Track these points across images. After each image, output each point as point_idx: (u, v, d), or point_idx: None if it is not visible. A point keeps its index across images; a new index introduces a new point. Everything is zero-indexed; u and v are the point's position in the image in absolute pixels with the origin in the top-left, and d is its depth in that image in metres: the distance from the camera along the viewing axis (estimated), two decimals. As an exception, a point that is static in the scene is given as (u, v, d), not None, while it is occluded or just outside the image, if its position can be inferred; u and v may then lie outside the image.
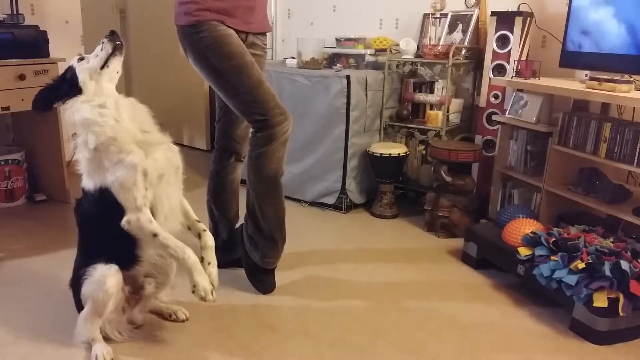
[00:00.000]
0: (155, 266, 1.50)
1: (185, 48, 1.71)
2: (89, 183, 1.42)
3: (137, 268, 1.47)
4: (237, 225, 1.99)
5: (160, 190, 1.42)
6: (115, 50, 1.46)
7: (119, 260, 1.42)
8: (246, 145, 1.88)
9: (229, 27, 1.67)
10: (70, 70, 1.45)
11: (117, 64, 1.47)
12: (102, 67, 1.45)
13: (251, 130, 1.73)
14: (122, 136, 1.38)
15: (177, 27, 1.71)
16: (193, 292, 1.41)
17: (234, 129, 1.89)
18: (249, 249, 1.84)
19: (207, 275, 1.45)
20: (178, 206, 1.52)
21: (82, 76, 1.43)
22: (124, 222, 1.37)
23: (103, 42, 1.46)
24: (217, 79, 1.67)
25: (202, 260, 1.49)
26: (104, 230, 1.41)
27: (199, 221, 1.55)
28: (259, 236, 1.79)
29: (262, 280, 1.86)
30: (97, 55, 1.46)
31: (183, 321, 1.65)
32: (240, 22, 1.70)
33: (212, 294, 1.42)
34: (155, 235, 1.38)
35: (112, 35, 1.47)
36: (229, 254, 1.95)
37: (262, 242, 1.79)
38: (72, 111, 1.42)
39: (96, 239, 1.45)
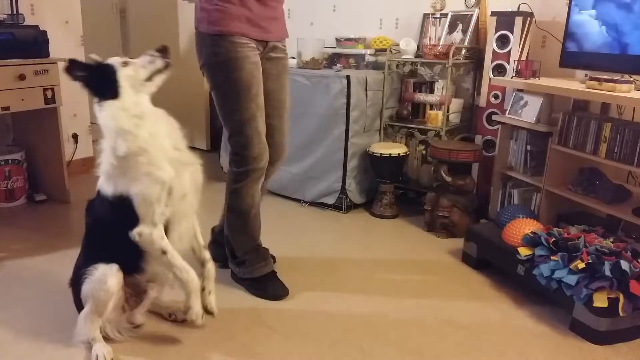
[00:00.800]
0: (158, 274, 1.50)
1: (200, 52, 1.72)
2: (107, 188, 1.39)
3: (140, 275, 1.47)
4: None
5: (179, 210, 1.43)
6: (164, 68, 1.44)
7: (122, 266, 1.42)
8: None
9: (252, 38, 1.67)
10: (112, 71, 1.40)
11: (160, 80, 1.45)
12: (147, 80, 1.43)
13: (229, 156, 1.76)
14: (155, 150, 1.36)
15: (196, 31, 1.71)
16: (185, 312, 1.46)
17: (268, 137, 1.87)
18: (236, 270, 1.87)
19: (205, 301, 1.54)
20: (192, 227, 1.55)
21: (124, 83, 1.39)
22: (134, 233, 1.37)
23: (154, 56, 1.44)
24: (218, 95, 1.71)
25: (203, 289, 1.54)
26: (112, 236, 1.40)
27: (205, 247, 1.58)
28: (238, 257, 1.85)
29: (267, 287, 1.82)
30: (144, 67, 1.43)
31: (183, 321, 1.65)
32: (262, 32, 1.71)
33: (202, 319, 1.48)
34: (164, 252, 1.40)
35: (165, 52, 1.45)
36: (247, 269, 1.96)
37: (244, 259, 1.83)
38: (108, 116, 1.37)
39: (103, 242, 1.44)
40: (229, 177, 1.78)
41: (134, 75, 1.41)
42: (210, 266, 1.56)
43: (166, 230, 1.42)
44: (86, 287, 1.41)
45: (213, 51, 1.65)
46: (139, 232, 1.37)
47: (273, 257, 1.99)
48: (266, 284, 1.82)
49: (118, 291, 1.42)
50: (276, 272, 1.88)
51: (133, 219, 1.37)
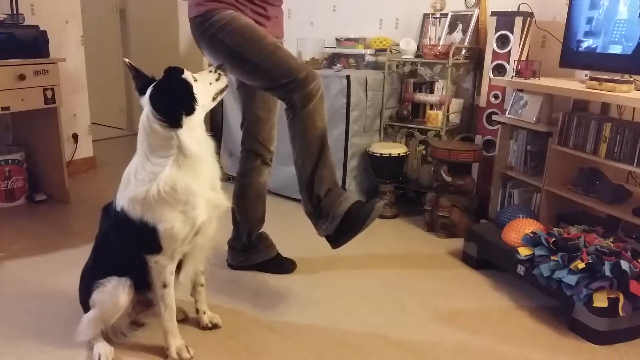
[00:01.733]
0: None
1: (199, 40, 1.70)
2: (132, 210, 1.32)
3: (150, 293, 1.45)
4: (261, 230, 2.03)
5: (199, 245, 1.43)
6: (224, 89, 1.41)
7: (134, 281, 1.41)
8: (272, 148, 1.92)
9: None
10: (189, 87, 1.29)
11: (220, 98, 1.41)
12: (214, 99, 1.38)
13: (285, 102, 1.63)
14: (197, 188, 1.31)
15: (190, 21, 1.70)
16: (167, 355, 1.44)
17: (259, 130, 1.88)
18: (330, 224, 1.63)
19: (204, 322, 1.60)
20: (204, 258, 1.55)
21: (200, 100, 1.30)
22: (152, 260, 1.35)
23: (220, 74, 1.39)
24: (234, 57, 1.63)
25: (197, 311, 1.61)
26: (129, 253, 1.38)
27: (203, 273, 1.59)
28: (327, 204, 1.63)
29: (356, 213, 1.58)
30: (212, 84, 1.37)
31: (182, 320, 1.65)
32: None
33: (188, 352, 1.45)
34: (165, 286, 1.39)
35: (225, 71, 1.41)
36: (249, 256, 2.00)
37: (328, 201, 1.63)
38: (188, 136, 1.27)
39: (118, 255, 1.41)
40: (291, 110, 1.61)
41: (204, 92, 1.34)
42: (202, 289, 1.60)
43: (182, 262, 1.43)
44: (97, 296, 1.40)
45: (209, 23, 1.62)
46: (156, 260, 1.35)
47: (293, 263, 2.09)
48: (354, 213, 1.59)
49: (128, 304, 1.42)
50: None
51: (154, 246, 1.33)
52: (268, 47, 1.60)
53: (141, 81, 1.32)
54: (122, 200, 1.35)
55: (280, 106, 1.86)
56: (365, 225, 1.56)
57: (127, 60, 1.36)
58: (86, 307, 1.46)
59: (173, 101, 1.27)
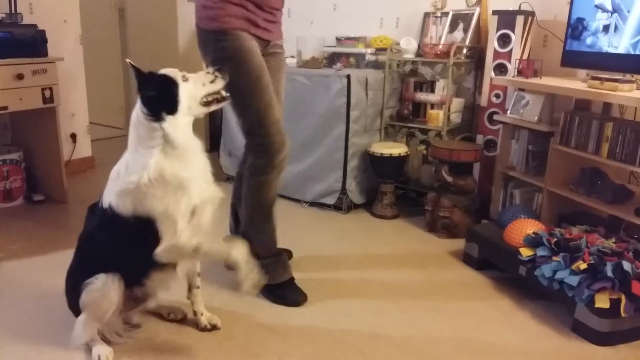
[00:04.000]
0: (157, 289, 1.50)
1: (205, 52, 1.70)
2: (122, 206, 1.31)
3: (137, 289, 1.45)
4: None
5: (196, 232, 1.40)
6: (223, 99, 1.40)
7: (123, 278, 1.40)
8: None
9: (253, 34, 1.67)
10: (175, 86, 1.31)
11: (214, 108, 1.40)
12: (207, 104, 1.36)
13: (248, 154, 1.73)
14: (188, 178, 1.31)
15: (198, 29, 1.70)
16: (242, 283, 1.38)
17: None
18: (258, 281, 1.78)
19: (202, 323, 1.58)
20: None
21: (184, 99, 1.31)
22: (158, 252, 1.32)
23: (216, 77, 1.37)
24: (231, 90, 1.63)
25: (195, 314, 1.59)
26: (119, 251, 1.37)
27: (199, 275, 1.58)
28: (258, 262, 1.76)
29: (286, 294, 1.78)
30: (204, 85, 1.36)
31: (181, 320, 1.65)
32: (263, 32, 1.71)
33: (255, 286, 1.40)
34: (196, 251, 1.35)
35: (224, 74, 1.39)
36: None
37: (264, 263, 1.72)
38: (173, 128, 1.28)
39: (106, 254, 1.40)
40: (250, 172, 1.72)
41: (193, 92, 1.34)
42: (197, 292, 1.59)
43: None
44: (87, 296, 1.38)
45: (220, 46, 1.63)
46: (163, 249, 1.32)
47: (289, 252, 2.01)
48: (285, 291, 1.78)
49: (119, 299, 1.41)
50: (294, 278, 1.84)
51: (154, 238, 1.32)
52: (262, 103, 1.64)
53: (141, 79, 1.34)
54: (110, 197, 1.34)
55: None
56: (282, 303, 1.75)
57: (128, 60, 1.37)
58: (75, 311, 1.45)
59: (155, 97, 1.30)
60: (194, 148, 1.36)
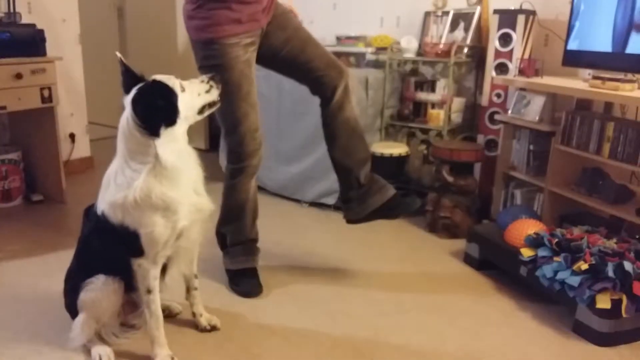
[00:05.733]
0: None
1: (195, 58, 1.74)
2: (113, 215, 1.30)
3: (134, 294, 1.44)
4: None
5: (183, 247, 1.41)
6: (216, 102, 1.38)
7: (122, 280, 1.40)
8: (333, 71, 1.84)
9: (242, 32, 1.65)
10: (174, 97, 1.26)
11: (207, 113, 1.38)
12: (201, 112, 1.35)
13: (226, 154, 1.79)
14: (178, 195, 1.29)
15: (190, 37, 1.73)
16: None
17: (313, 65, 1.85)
18: (223, 261, 1.90)
19: (202, 324, 1.59)
20: (191, 260, 1.55)
21: (183, 113, 1.27)
22: (136, 263, 1.34)
23: (212, 86, 1.35)
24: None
25: (194, 315, 1.60)
26: (113, 255, 1.37)
27: (196, 277, 1.58)
28: (226, 247, 1.88)
29: (240, 282, 1.84)
30: (200, 95, 1.33)
31: (176, 315, 1.66)
32: (252, 24, 1.69)
33: None
34: (149, 292, 1.37)
35: (218, 83, 1.37)
36: (367, 202, 1.92)
37: (229, 250, 1.87)
38: (166, 147, 1.24)
39: (103, 257, 1.39)
40: (226, 174, 1.82)
41: (191, 103, 1.31)
42: (196, 293, 1.59)
43: (167, 265, 1.41)
44: (86, 295, 1.38)
45: (204, 54, 1.67)
46: (139, 264, 1.34)
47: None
48: (241, 279, 1.84)
49: (118, 300, 1.41)
50: (256, 270, 1.88)
51: (136, 250, 1.32)
52: (238, 113, 1.68)
53: (129, 79, 1.28)
54: (103, 204, 1.33)
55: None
56: (235, 290, 1.83)
57: (118, 54, 1.33)
58: (72, 312, 1.45)
59: (154, 110, 1.24)
60: (185, 163, 1.32)
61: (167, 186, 1.27)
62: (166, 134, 1.25)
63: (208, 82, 1.37)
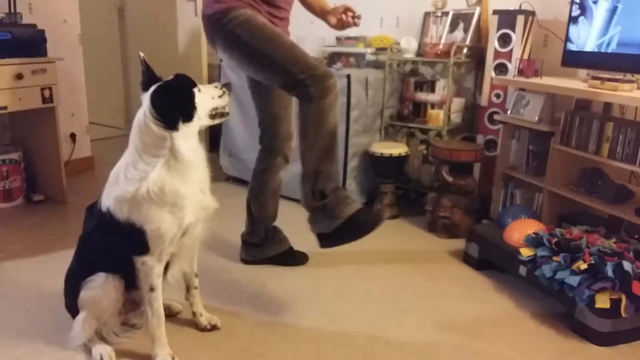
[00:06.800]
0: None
1: (214, 37, 1.71)
2: (118, 211, 1.31)
3: (135, 293, 1.44)
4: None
5: (186, 245, 1.42)
6: (224, 114, 1.41)
7: (123, 278, 1.41)
8: (292, 144, 1.92)
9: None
10: (192, 95, 1.31)
11: (218, 121, 1.41)
12: (212, 117, 1.38)
13: (300, 97, 1.63)
14: (186, 192, 1.31)
15: (204, 18, 1.71)
16: None
17: (278, 127, 1.89)
18: (323, 217, 1.63)
19: (202, 323, 1.59)
20: (192, 258, 1.55)
21: (199, 111, 1.32)
22: (140, 261, 1.34)
23: (224, 92, 1.39)
24: (251, 53, 1.65)
25: (194, 314, 1.60)
26: (115, 253, 1.37)
27: (196, 275, 1.59)
28: (327, 197, 1.63)
29: (363, 219, 1.58)
30: (213, 98, 1.37)
31: (176, 314, 1.66)
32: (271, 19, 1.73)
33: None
34: (152, 289, 1.38)
35: (230, 91, 1.41)
36: (264, 250, 2.03)
37: (334, 196, 1.62)
38: (182, 141, 1.28)
39: (105, 255, 1.40)
40: (310, 105, 1.60)
41: (205, 104, 1.35)
42: (196, 292, 1.59)
43: (169, 262, 1.42)
44: (87, 294, 1.38)
45: (227, 19, 1.64)
46: (143, 261, 1.35)
47: (306, 256, 2.10)
48: (359, 219, 1.58)
49: (119, 298, 1.41)
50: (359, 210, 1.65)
51: (141, 247, 1.33)
52: (285, 44, 1.63)
53: (148, 77, 1.33)
54: (108, 200, 1.33)
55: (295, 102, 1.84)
56: (368, 233, 1.56)
57: (141, 54, 1.36)
58: (73, 312, 1.45)
59: (174, 104, 1.28)
60: (197, 160, 1.35)
61: (179, 180, 1.30)
62: (183, 128, 1.29)
63: (221, 88, 1.41)
